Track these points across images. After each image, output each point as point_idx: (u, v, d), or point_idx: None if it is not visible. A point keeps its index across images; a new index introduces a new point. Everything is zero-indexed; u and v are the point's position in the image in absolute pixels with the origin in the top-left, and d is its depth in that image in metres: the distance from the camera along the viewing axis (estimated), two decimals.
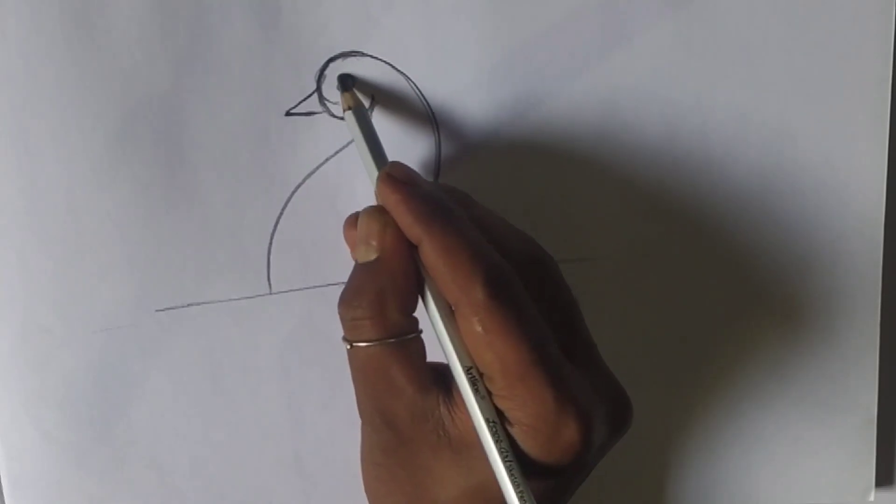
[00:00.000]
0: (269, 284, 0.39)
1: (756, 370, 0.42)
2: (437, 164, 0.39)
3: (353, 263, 0.34)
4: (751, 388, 0.42)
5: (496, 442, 0.32)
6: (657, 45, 0.38)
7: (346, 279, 0.34)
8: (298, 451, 0.40)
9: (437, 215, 0.32)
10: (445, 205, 0.33)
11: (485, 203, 0.36)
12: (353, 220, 0.35)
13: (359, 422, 0.35)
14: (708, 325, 0.41)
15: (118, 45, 0.36)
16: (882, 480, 0.44)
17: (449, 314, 0.33)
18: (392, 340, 0.33)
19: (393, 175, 0.34)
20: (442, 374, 0.33)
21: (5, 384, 0.38)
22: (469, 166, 0.39)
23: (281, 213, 0.38)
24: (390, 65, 0.38)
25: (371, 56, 0.37)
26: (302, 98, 0.38)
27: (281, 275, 0.39)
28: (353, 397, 0.35)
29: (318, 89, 0.38)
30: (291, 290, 0.39)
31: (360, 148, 0.36)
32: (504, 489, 0.32)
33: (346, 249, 0.36)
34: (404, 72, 0.38)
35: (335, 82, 0.37)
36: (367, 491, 0.36)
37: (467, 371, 0.32)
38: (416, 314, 0.34)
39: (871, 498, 0.43)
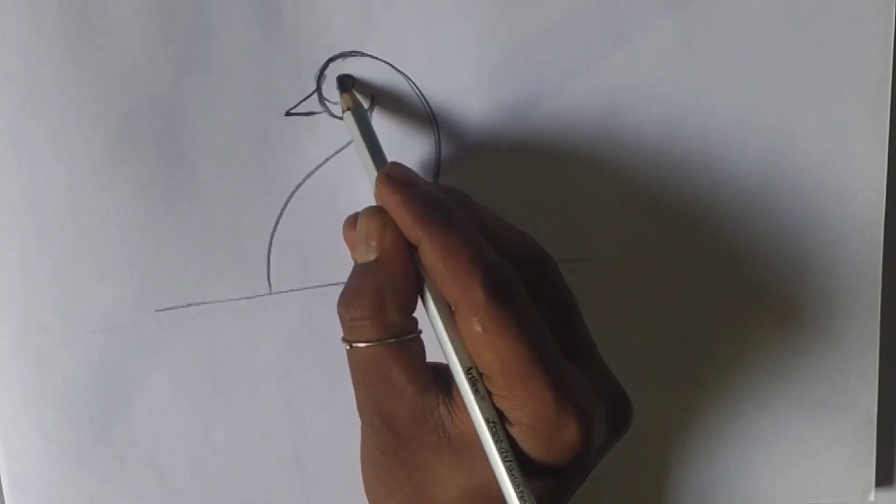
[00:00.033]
0: (269, 284, 0.39)
1: (756, 370, 0.42)
2: (437, 164, 0.39)
3: (353, 263, 0.34)
4: (751, 388, 0.42)
5: (496, 442, 0.32)
6: (657, 45, 0.38)
7: (346, 279, 0.34)
8: (298, 451, 0.40)
9: (437, 216, 0.32)
10: (445, 205, 0.33)
11: (485, 203, 0.36)
12: (352, 220, 0.35)
13: (359, 422, 0.35)
14: (708, 325, 0.41)
15: (118, 45, 0.36)
16: (882, 480, 0.44)
17: (448, 314, 0.33)
18: (391, 341, 0.33)
19: (392, 176, 0.34)
20: (441, 375, 0.33)
21: (5, 384, 0.38)
22: (469, 166, 0.39)
23: (281, 213, 0.38)
24: (390, 65, 0.38)
25: (371, 56, 0.37)
26: (302, 98, 0.38)
27: (281, 275, 0.39)
28: (353, 397, 0.35)
29: (318, 89, 0.38)
30: (291, 290, 0.39)
31: (360, 149, 0.36)
32: (504, 490, 0.32)
33: (347, 249, 0.36)
34: (404, 72, 0.38)
35: (335, 82, 0.37)
36: (367, 492, 0.36)
37: (467, 371, 0.32)
38: (415, 315, 0.34)
39: (871, 498, 0.43)
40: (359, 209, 0.35)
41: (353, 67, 0.37)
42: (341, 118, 0.37)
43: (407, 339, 0.33)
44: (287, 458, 0.40)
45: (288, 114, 0.38)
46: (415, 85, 0.38)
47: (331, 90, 0.37)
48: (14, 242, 0.37)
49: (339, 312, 0.34)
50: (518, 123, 0.38)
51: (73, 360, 0.38)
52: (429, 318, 0.33)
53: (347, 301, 0.33)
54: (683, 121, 0.39)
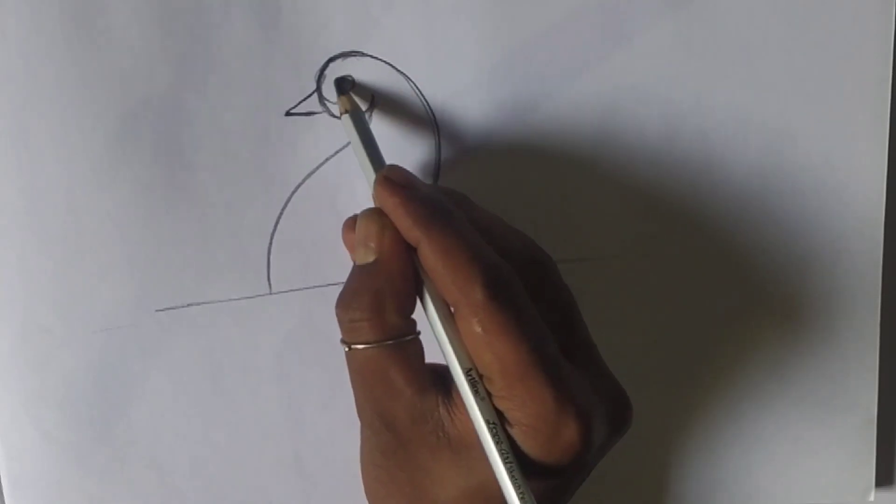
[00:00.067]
0: (269, 284, 0.39)
1: (756, 370, 0.42)
2: (437, 165, 0.39)
3: (352, 264, 0.34)
4: (751, 388, 0.42)
5: (497, 443, 0.32)
6: (657, 45, 0.38)
7: (345, 279, 0.34)
8: (298, 451, 0.40)
9: (436, 217, 0.32)
10: (444, 206, 0.33)
11: (485, 202, 0.36)
12: (351, 223, 0.35)
13: (359, 422, 0.35)
14: (708, 325, 0.41)
15: (118, 45, 0.36)
16: (882, 480, 0.44)
17: (448, 316, 0.33)
18: (390, 342, 0.33)
19: (390, 178, 0.34)
20: (440, 376, 0.33)
21: (5, 384, 0.38)
22: (469, 165, 0.39)
23: (281, 213, 0.38)
24: (390, 65, 0.38)
25: (371, 56, 0.37)
26: (302, 98, 0.38)
27: (281, 275, 0.39)
28: (353, 397, 0.35)
29: (318, 89, 0.38)
30: (291, 290, 0.39)
31: (357, 151, 0.36)
32: (505, 490, 0.32)
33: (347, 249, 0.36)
34: (404, 72, 0.38)
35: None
36: (366, 492, 0.36)
37: (467, 373, 0.32)
38: (413, 316, 0.34)
39: (871, 498, 0.43)
40: (359, 209, 0.35)
41: (353, 67, 0.37)
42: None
43: (405, 341, 0.33)
44: (287, 458, 0.40)
45: (288, 114, 0.38)
46: (414, 85, 0.38)
47: (331, 90, 0.37)
48: (14, 242, 0.37)
49: (337, 314, 0.34)
50: (518, 123, 0.38)
51: (73, 360, 0.38)
52: (428, 320, 0.33)
53: (346, 303, 0.33)
54: (683, 121, 0.39)
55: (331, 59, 0.37)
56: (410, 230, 0.32)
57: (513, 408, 0.32)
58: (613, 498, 0.42)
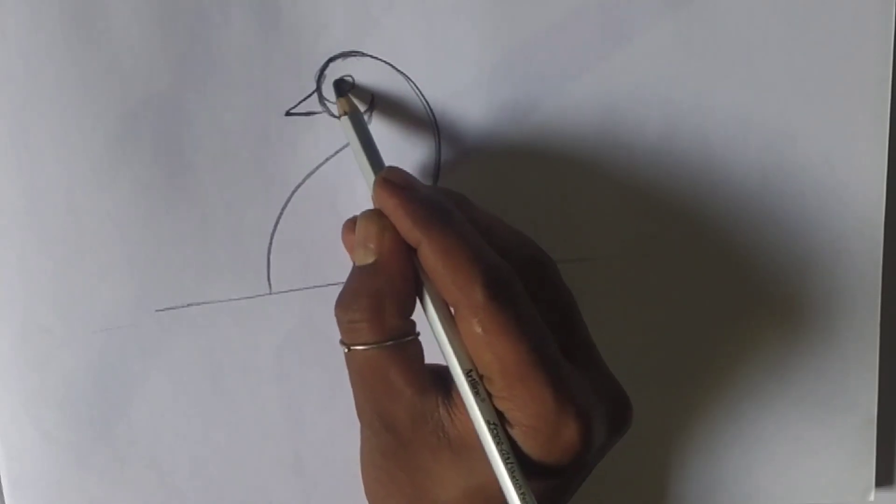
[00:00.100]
0: (269, 284, 0.39)
1: (756, 370, 0.42)
2: (437, 165, 0.39)
3: (352, 264, 0.34)
4: (751, 388, 0.42)
5: (497, 444, 0.32)
6: (657, 45, 0.38)
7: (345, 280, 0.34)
8: (298, 451, 0.40)
9: (436, 218, 0.32)
10: (444, 207, 0.33)
11: (485, 202, 0.36)
12: (351, 224, 0.35)
13: (359, 422, 0.35)
14: (708, 325, 0.41)
15: (118, 45, 0.36)
16: (882, 480, 0.44)
17: (448, 317, 0.33)
18: (390, 343, 0.33)
19: (390, 179, 0.34)
20: (440, 376, 0.33)
21: (5, 384, 0.38)
22: (469, 165, 0.39)
23: (281, 213, 0.38)
24: (390, 65, 0.38)
25: (371, 56, 0.37)
26: (302, 98, 0.38)
27: (281, 275, 0.39)
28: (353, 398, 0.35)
29: (318, 89, 0.38)
30: (291, 290, 0.39)
31: (357, 153, 0.36)
32: (506, 491, 0.32)
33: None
34: (404, 72, 0.38)
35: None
36: (367, 493, 0.36)
37: (467, 374, 0.32)
38: (413, 317, 0.34)
39: (871, 498, 0.43)
40: (358, 209, 0.35)
41: (353, 67, 0.37)
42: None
43: (405, 342, 0.33)
44: (287, 458, 0.40)
45: (288, 114, 0.38)
46: (414, 85, 0.38)
47: (331, 90, 0.37)
48: (14, 242, 0.37)
49: (336, 315, 0.34)
50: (518, 123, 0.38)
51: (73, 360, 0.38)
52: (428, 321, 0.33)
53: (345, 304, 0.33)
54: (683, 121, 0.39)
55: (331, 60, 0.37)
56: (410, 231, 0.32)
57: (513, 408, 0.32)
58: (613, 498, 0.42)
